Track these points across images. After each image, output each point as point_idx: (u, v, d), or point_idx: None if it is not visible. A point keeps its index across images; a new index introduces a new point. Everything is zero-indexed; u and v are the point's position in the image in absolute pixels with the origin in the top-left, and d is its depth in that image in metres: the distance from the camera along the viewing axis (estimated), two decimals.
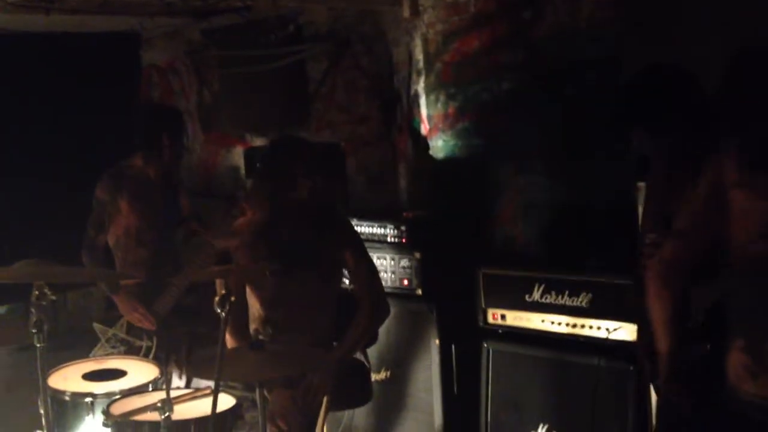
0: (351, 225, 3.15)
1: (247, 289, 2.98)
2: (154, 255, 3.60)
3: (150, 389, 2.87)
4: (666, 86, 2.46)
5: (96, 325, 3.58)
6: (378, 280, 3.07)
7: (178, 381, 3.55)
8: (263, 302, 2.95)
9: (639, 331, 2.72)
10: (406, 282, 3.54)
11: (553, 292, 3.16)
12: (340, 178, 4.20)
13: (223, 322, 2.17)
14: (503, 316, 3.32)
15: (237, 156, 4.96)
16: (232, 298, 2.16)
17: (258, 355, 2.33)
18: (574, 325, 3.11)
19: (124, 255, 3.60)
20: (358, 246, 3.04)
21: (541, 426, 3.20)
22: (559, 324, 3.15)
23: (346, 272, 3.09)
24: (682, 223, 2.18)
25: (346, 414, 3.59)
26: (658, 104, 2.43)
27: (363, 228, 3.63)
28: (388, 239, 3.59)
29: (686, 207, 2.17)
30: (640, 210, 2.77)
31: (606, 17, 3.21)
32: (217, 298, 2.15)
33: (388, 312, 3.08)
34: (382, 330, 3.27)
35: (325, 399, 2.64)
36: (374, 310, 2.98)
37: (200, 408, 2.59)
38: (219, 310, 2.16)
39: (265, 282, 2.88)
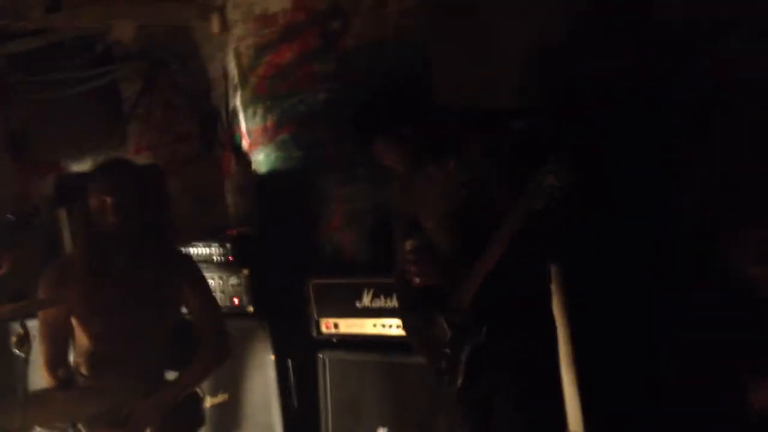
0: (191, 260, 2.97)
1: (75, 324, 2.81)
2: None
3: None
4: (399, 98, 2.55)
5: None
6: (221, 320, 2.89)
7: None
8: (90, 336, 2.78)
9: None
10: (236, 300, 3.48)
11: (382, 296, 3.19)
12: (162, 201, 4.05)
13: (24, 364, 2.02)
14: (336, 325, 3.33)
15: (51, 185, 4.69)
16: (32, 337, 2.01)
17: (70, 393, 2.20)
18: None
19: None
20: (200, 283, 2.86)
21: (380, 429, 3.23)
22: (390, 326, 3.19)
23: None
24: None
25: None
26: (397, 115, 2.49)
27: (188, 249, 3.53)
28: (215, 259, 3.51)
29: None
30: None
31: (413, 22, 3.28)
32: (13, 339, 2.01)
33: (228, 355, 2.90)
34: None
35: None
36: (214, 352, 2.83)
37: None
38: (17, 351, 2.01)
39: (93, 317, 2.72)
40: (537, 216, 2.21)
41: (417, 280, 2.49)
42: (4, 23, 3.38)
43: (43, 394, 2.43)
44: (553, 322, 2.53)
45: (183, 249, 3.06)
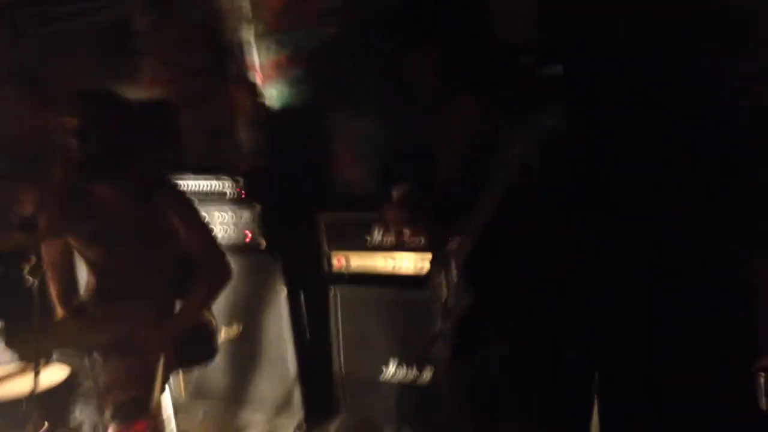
0: (176, 188, 2.95)
1: (78, 256, 2.85)
2: None
3: None
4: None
5: None
6: (214, 243, 2.90)
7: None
8: (93, 271, 2.83)
9: None
10: (248, 235, 3.50)
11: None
12: (171, 135, 4.06)
13: (36, 292, 2.05)
14: (347, 260, 3.35)
15: None
16: (45, 267, 2.04)
17: (82, 322, 2.24)
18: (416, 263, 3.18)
19: None
20: (186, 210, 2.86)
21: (391, 362, 3.28)
22: (402, 262, 3.21)
23: None
24: None
25: (197, 371, 3.54)
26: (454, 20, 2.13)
27: (200, 183, 3.54)
28: (227, 193, 3.52)
29: None
30: None
31: None
32: (27, 267, 2.04)
33: (229, 275, 2.92)
34: (230, 285, 3.21)
35: (161, 360, 2.58)
36: (212, 276, 2.85)
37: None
38: (30, 279, 2.05)
39: (89, 249, 2.75)
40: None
41: (398, 232, 2.34)
42: None
43: (57, 322, 2.48)
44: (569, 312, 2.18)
45: (168, 179, 2.99)
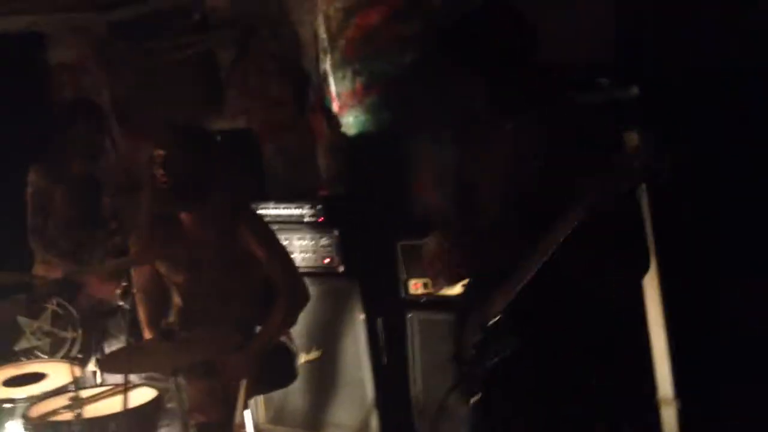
0: (257, 216, 3.09)
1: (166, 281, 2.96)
2: (76, 250, 3.62)
3: (72, 390, 2.84)
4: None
5: (20, 319, 3.52)
6: (291, 268, 3.02)
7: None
8: (180, 295, 2.94)
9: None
10: (327, 260, 3.56)
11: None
12: (253, 164, 4.18)
13: (126, 314, 2.15)
14: (425, 285, 3.37)
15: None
16: (134, 290, 2.14)
17: (169, 344, 2.33)
18: None
19: (46, 246, 3.65)
20: (266, 237, 2.97)
21: None
22: None
23: None
24: None
25: (277, 396, 3.60)
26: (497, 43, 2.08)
27: (280, 210, 3.63)
28: (306, 219, 3.60)
29: None
30: None
31: None
32: (118, 291, 2.14)
33: (306, 299, 3.03)
34: (309, 309, 3.28)
35: (243, 384, 2.65)
36: (289, 300, 2.94)
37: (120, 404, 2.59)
38: (121, 303, 2.15)
39: (177, 274, 2.86)
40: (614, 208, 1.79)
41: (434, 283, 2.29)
42: None
43: (145, 345, 2.58)
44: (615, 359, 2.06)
45: (249, 208, 3.14)
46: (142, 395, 2.65)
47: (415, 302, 3.38)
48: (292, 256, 3.15)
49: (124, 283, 2.15)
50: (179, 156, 2.76)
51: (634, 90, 2.44)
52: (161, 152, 2.77)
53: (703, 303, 2.60)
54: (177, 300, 2.96)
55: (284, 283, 2.94)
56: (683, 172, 1.83)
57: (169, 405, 2.98)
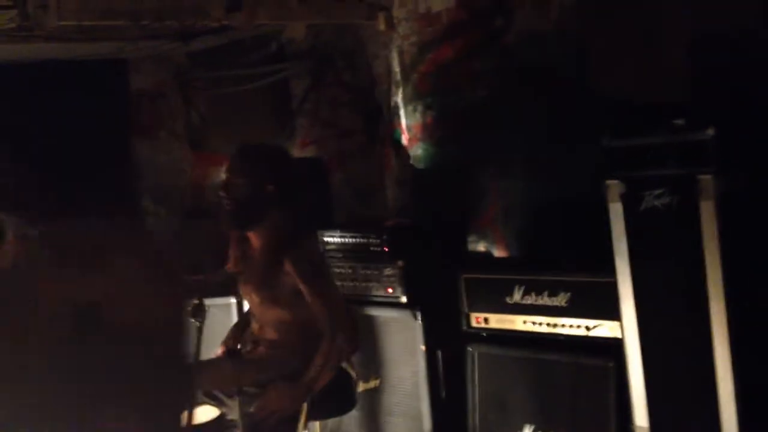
0: (305, 252, 2.90)
1: None
2: None
3: None
4: None
5: None
6: (336, 312, 2.85)
7: None
8: (251, 314, 3.02)
9: None
10: (390, 290, 3.58)
11: (533, 293, 3.19)
12: (321, 193, 4.25)
13: (197, 332, 2.21)
14: (486, 320, 3.36)
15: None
16: (207, 308, 2.20)
17: (233, 363, 2.38)
18: (555, 325, 3.15)
19: None
20: (310, 275, 2.83)
21: (527, 426, 3.23)
22: (540, 324, 3.19)
23: None
24: None
25: (331, 422, 3.62)
26: None
27: (346, 239, 3.68)
28: (371, 248, 3.64)
29: None
30: (611, 207, 2.81)
31: (573, 17, 3.27)
32: (189, 308, 2.20)
33: (353, 345, 2.90)
34: (369, 338, 3.30)
35: (304, 408, 2.67)
36: (334, 340, 2.81)
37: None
38: (192, 320, 2.21)
39: (246, 296, 2.93)
40: None
41: None
42: (189, 23, 3.65)
43: (214, 361, 2.64)
44: None
45: (301, 238, 2.96)
46: (204, 413, 2.70)
47: (476, 335, 3.38)
48: (354, 284, 3.14)
49: (196, 301, 2.21)
50: (240, 180, 2.81)
51: (710, 131, 2.42)
52: (226, 176, 2.84)
53: None
54: (251, 319, 3.04)
55: (328, 327, 2.81)
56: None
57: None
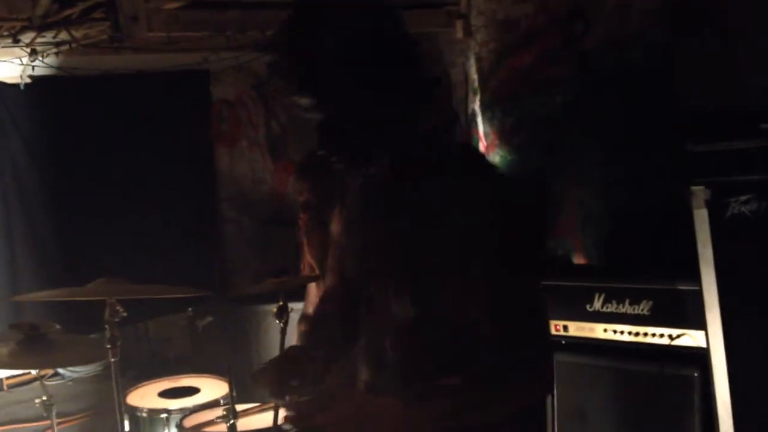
0: None
1: None
2: None
3: (222, 404, 3.00)
4: None
5: None
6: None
7: None
8: None
9: None
10: None
11: (614, 301, 3.14)
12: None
13: (281, 333, 2.26)
14: (566, 327, 3.32)
15: None
16: (290, 310, 2.25)
17: (314, 364, 2.41)
18: (637, 333, 3.09)
19: None
20: None
21: None
22: (622, 333, 3.14)
23: None
24: None
25: None
26: None
27: None
28: None
29: None
30: (696, 214, 2.75)
31: (655, 23, 3.22)
32: (274, 309, 2.25)
33: None
34: None
35: None
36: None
37: (267, 420, 2.70)
38: (277, 321, 2.26)
39: None
40: None
41: None
42: (271, 34, 3.74)
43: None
44: None
45: None
46: (261, 420, 2.75)
47: (556, 343, 3.34)
48: None
49: (280, 302, 2.26)
50: (308, 185, 2.89)
51: None
52: (299, 183, 2.92)
53: None
54: None
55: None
56: None
57: None
